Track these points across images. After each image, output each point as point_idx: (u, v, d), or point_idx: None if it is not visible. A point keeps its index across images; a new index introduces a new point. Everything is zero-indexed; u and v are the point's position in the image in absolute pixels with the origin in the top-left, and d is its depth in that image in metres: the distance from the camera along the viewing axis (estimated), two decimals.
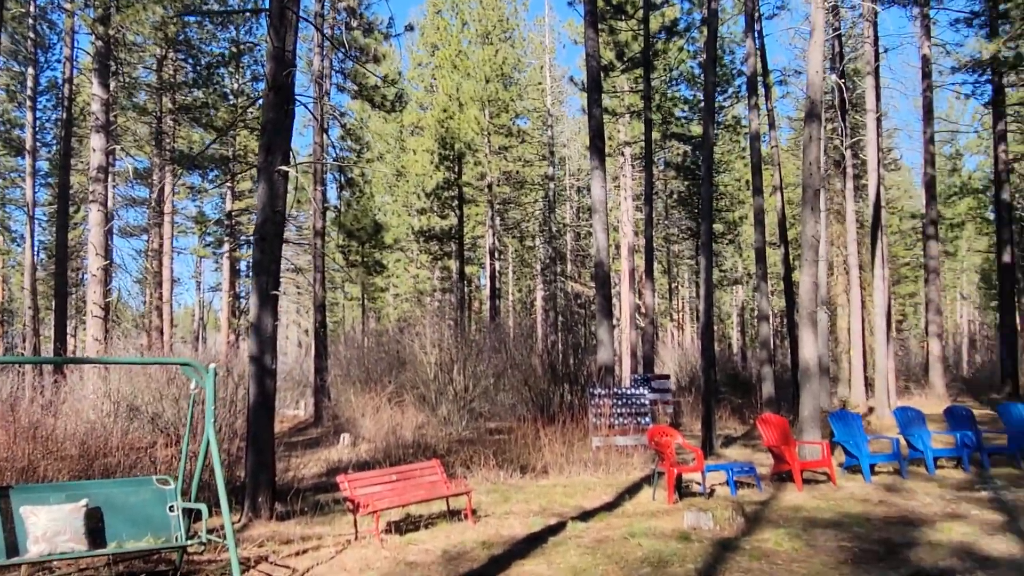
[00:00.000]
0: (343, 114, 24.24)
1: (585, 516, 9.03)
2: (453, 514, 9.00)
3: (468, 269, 50.83)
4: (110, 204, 26.73)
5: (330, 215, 29.49)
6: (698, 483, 10.80)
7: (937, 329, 26.24)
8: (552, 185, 42.36)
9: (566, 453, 11.93)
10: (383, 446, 15.42)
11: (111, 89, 22.25)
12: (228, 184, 40.51)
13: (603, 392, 14.85)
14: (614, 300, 53.48)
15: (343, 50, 20.45)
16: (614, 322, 53.58)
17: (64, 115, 24.80)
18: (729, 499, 10.07)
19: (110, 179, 26.23)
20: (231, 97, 31.43)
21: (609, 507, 9.59)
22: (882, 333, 20.53)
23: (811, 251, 12.63)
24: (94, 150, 21.55)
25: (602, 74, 27.73)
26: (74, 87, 25.99)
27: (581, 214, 55.61)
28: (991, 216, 44.79)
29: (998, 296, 29.29)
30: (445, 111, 40.11)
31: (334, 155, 24.02)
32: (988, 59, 27.12)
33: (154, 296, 33.76)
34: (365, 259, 42.49)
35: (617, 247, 43.99)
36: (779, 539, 7.76)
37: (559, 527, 8.40)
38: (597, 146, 15.65)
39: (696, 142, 34.02)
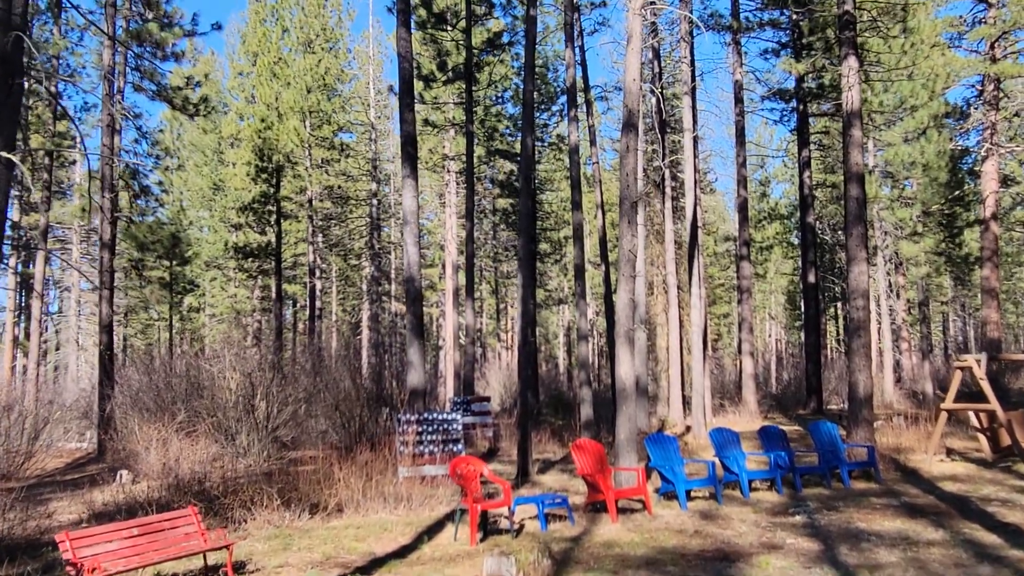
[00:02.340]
0: (137, 115, 21.97)
1: (371, 566, 7.82)
2: (213, 571, 7.54)
3: (291, 288, 48.52)
4: None
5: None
6: (507, 518, 9.84)
7: (749, 347, 26.87)
8: (375, 201, 40.92)
9: (363, 488, 10.64)
10: (165, 484, 13.60)
11: None
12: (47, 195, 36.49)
13: (412, 417, 13.73)
14: (440, 320, 52.54)
15: (135, 42, 18.38)
16: (440, 343, 52.53)
17: None
18: (539, 536, 9.16)
19: None
20: None
21: (402, 553, 8.42)
22: (699, 351, 20.54)
23: (628, 266, 12.05)
24: None
25: (424, 84, 26.87)
26: None
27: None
28: (796, 240, 47.39)
29: (803, 315, 30.52)
30: (263, 121, 38.02)
31: (126, 160, 21.74)
32: (795, 89, 28.33)
33: None
34: (173, 277, 39.49)
35: (443, 266, 43.05)
36: None
37: None
38: (409, 153, 14.57)
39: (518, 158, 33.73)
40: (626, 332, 11.91)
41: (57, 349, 55.23)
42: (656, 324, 31.16)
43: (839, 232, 41.18)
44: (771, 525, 9.42)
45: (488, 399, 23.60)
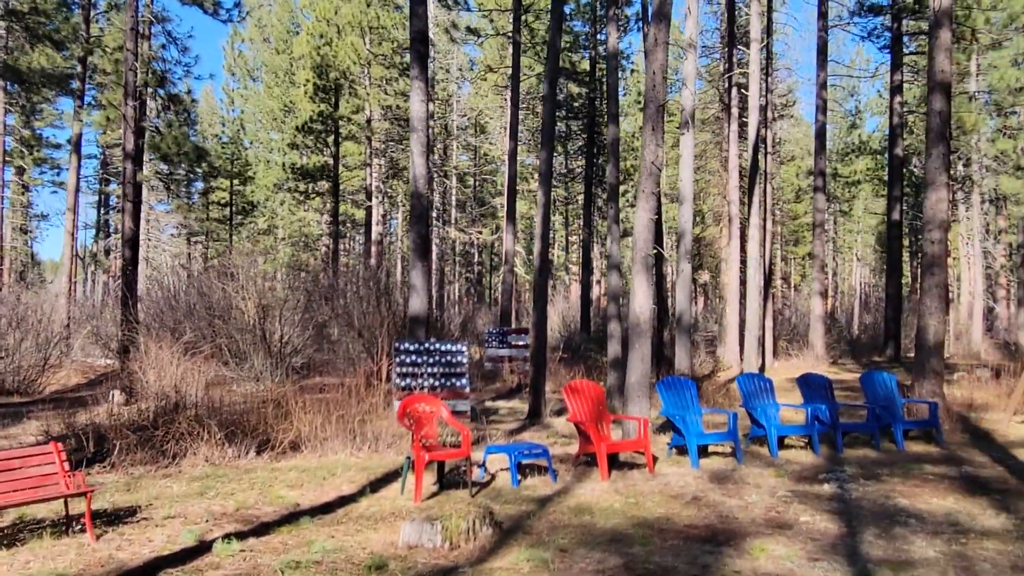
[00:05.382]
0: (165, 19, 20.72)
1: (279, 523, 6.48)
2: (75, 520, 6.30)
3: (357, 213, 47.60)
4: None
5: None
6: (474, 467, 8.37)
7: (820, 287, 24.61)
8: (432, 123, 39.30)
9: (321, 424, 9.33)
10: (159, 407, 12.64)
11: None
12: (79, 105, 36.28)
13: (410, 347, 12.36)
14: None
15: None
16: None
17: None
18: (506, 493, 7.71)
19: None
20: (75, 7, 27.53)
21: (331, 506, 7.06)
22: (756, 286, 18.56)
23: (650, 180, 10.24)
24: None
25: None
26: None
27: (478, 158, 52.81)
28: (887, 178, 43.86)
29: (886, 255, 27.97)
30: (322, 36, 36.77)
31: (157, 67, 20.60)
32: (889, 2, 25.39)
33: None
34: (232, 197, 39.07)
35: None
36: (518, 567, 5.39)
37: (208, 546, 5.81)
38: (418, 51, 12.87)
39: (583, 79, 31.59)
40: (643, 259, 10.18)
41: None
42: (721, 260, 29.07)
43: None
44: (790, 495, 7.72)
45: (526, 331, 22.14)
